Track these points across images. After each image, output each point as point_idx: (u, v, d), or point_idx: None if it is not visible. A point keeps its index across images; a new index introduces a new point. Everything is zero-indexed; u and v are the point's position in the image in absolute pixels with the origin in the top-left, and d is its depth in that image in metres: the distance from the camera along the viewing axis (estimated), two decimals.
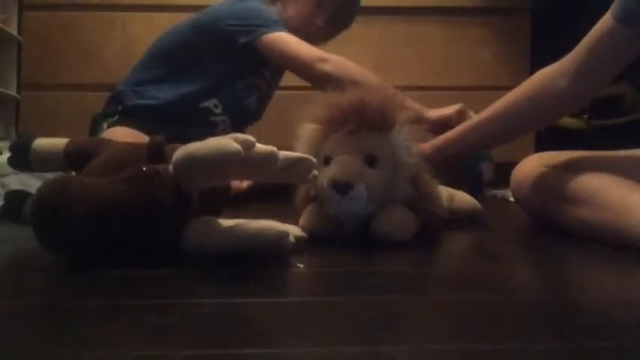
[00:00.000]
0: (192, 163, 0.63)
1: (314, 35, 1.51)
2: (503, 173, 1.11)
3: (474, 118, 1.06)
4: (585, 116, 2.00)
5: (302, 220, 0.82)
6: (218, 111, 1.51)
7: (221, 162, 0.62)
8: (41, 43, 2.06)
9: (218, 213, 0.77)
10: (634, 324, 0.47)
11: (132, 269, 0.62)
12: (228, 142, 0.61)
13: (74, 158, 0.81)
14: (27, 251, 0.74)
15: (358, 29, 2.09)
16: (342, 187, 0.74)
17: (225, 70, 1.49)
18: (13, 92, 2.04)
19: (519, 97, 0.98)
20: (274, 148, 0.66)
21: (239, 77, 1.52)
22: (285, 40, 1.43)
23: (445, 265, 0.76)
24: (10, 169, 0.98)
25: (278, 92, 1.80)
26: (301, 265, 0.67)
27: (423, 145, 1.00)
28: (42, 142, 0.84)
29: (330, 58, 1.41)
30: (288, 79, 1.83)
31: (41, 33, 2.07)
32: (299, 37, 1.45)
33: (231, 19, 1.45)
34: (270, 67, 1.61)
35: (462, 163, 1.48)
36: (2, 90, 1.96)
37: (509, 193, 1.11)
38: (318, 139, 0.81)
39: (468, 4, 2.13)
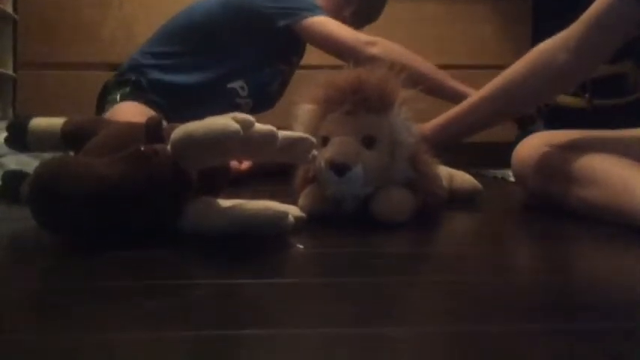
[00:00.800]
0: (191, 142, 0.63)
1: None
2: (504, 153, 1.11)
3: (474, 96, 1.04)
4: (587, 95, 1.99)
5: (301, 201, 0.81)
6: (244, 93, 1.49)
7: (220, 141, 0.61)
8: (37, 21, 2.03)
9: (217, 193, 0.76)
10: (634, 305, 0.47)
11: (131, 251, 0.61)
12: (227, 121, 0.61)
13: (71, 138, 0.81)
14: (25, 232, 0.74)
15: None
16: (339, 168, 0.73)
17: (255, 53, 1.47)
18: (9, 71, 2.02)
19: (519, 73, 0.97)
20: (273, 128, 0.65)
21: (268, 61, 1.50)
22: (328, 24, 1.42)
23: (445, 246, 0.75)
24: (8, 149, 0.98)
25: None
26: (301, 246, 0.67)
27: (424, 126, 0.99)
28: (39, 122, 0.83)
29: (377, 40, 1.40)
30: None
31: (37, 11, 2.04)
32: None
33: (269, 1, 1.42)
34: (299, 53, 1.59)
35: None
36: None
37: (510, 173, 1.10)
38: (316, 119, 0.80)
39: None
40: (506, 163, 1.06)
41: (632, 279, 0.56)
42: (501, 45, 2.11)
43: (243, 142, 0.62)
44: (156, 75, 1.43)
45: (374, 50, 1.37)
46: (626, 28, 0.87)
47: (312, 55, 1.48)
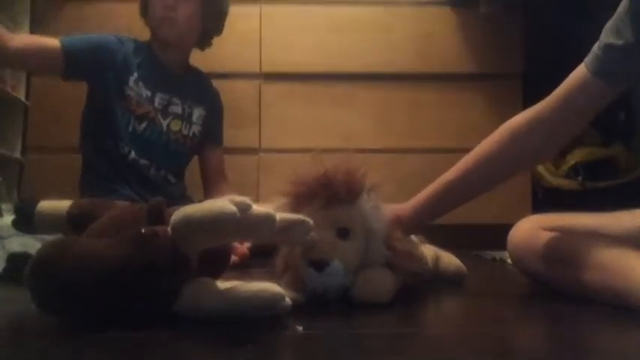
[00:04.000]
0: (189, 224, 0.64)
1: None
2: (500, 235, 1.12)
3: (446, 176, 1.02)
4: (580, 178, 2.03)
5: (283, 286, 0.79)
6: None
7: (217, 223, 0.62)
8: (47, 107, 2.11)
9: (218, 275, 0.77)
10: None
11: (129, 332, 0.61)
12: (224, 204, 0.62)
13: (77, 221, 0.82)
14: (26, 313, 0.74)
15: (359, 94, 2.16)
16: (318, 265, 0.75)
17: None
18: (17, 155, 2.07)
19: (494, 149, 0.98)
20: (271, 211, 0.67)
21: None
22: None
23: (444, 327, 0.75)
24: (11, 231, 0.99)
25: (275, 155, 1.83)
26: (300, 328, 0.67)
27: (398, 210, 0.99)
28: (46, 205, 0.86)
29: None
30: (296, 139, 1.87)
31: (48, 98, 2.12)
32: None
33: None
34: None
35: None
36: (7, 153, 1.99)
37: (507, 255, 1.11)
38: (285, 212, 0.79)
39: (462, 71, 2.20)
40: (505, 245, 1.07)
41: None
42: (492, 128, 2.17)
43: (242, 224, 0.63)
44: None
45: None
46: (597, 104, 0.92)
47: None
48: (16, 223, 0.88)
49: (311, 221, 0.74)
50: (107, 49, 1.55)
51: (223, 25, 1.73)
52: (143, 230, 0.65)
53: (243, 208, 0.63)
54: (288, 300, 0.67)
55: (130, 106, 1.56)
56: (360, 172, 0.82)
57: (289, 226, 0.71)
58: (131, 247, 0.64)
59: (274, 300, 0.65)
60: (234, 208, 0.62)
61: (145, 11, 1.65)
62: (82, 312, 0.64)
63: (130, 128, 1.56)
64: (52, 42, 1.49)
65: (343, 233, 0.78)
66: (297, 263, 0.78)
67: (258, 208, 0.66)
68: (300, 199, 0.80)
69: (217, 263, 0.77)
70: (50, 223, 0.85)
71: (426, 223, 1.04)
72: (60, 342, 0.61)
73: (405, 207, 1.02)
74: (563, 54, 0.97)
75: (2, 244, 1.08)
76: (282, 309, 0.67)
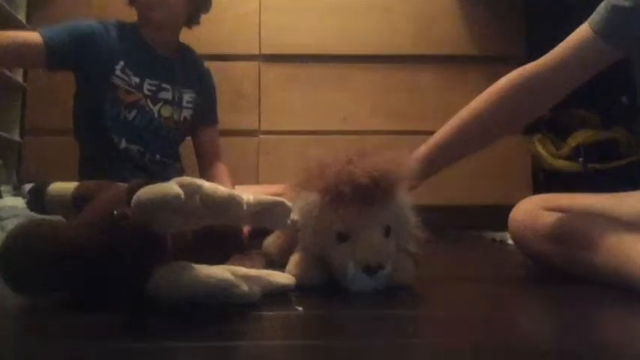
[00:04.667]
0: (140, 206, 0.62)
1: None
2: (500, 216, 1.12)
3: (441, 134, 1.01)
4: (581, 159, 2.03)
5: (293, 270, 0.78)
6: None
7: (163, 205, 0.61)
8: (45, 89, 2.10)
9: (228, 257, 0.76)
10: None
11: (101, 313, 0.61)
12: (168, 186, 0.61)
13: (80, 202, 0.82)
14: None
15: (358, 76, 2.15)
16: (372, 270, 0.73)
17: None
18: (16, 137, 2.06)
19: (488, 106, 0.99)
20: (234, 192, 0.64)
21: None
22: None
23: (444, 309, 0.75)
24: (12, 212, 0.99)
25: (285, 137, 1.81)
26: (300, 308, 0.67)
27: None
28: (56, 187, 0.85)
29: None
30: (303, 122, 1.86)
31: (45, 80, 2.11)
32: None
33: None
34: None
35: None
36: (6, 135, 1.98)
37: (508, 235, 1.11)
38: (322, 210, 0.76)
39: (463, 53, 2.19)
40: (505, 226, 1.07)
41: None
42: None
43: (206, 206, 0.61)
44: None
45: None
46: (599, 63, 0.91)
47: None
48: (29, 204, 0.88)
49: (289, 204, 0.70)
50: (90, 38, 1.49)
51: (211, 3, 1.68)
52: (115, 212, 0.64)
53: (190, 191, 0.61)
54: (244, 287, 0.64)
55: (118, 95, 1.52)
56: (400, 165, 0.78)
57: (265, 209, 0.69)
58: (99, 228, 0.64)
59: (225, 286, 0.63)
60: (178, 190, 0.60)
61: None
62: (48, 291, 0.65)
63: (121, 117, 1.53)
64: (34, 36, 1.42)
65: (388, 231, 0.76)
66: (343, 266, 0.74)
67: (222, 190, 0.63)
68: (340, 196, 0.74)
69: (227, 246, 0.77)
70: (58, 205, 0.84)
71: (429, 176, 1.01)
72: (23, 322, 0.61)
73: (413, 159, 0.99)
74: (565, 36, 0.95)
75: (1, 225, 1.08)
76: (235, 296, 0.64)
